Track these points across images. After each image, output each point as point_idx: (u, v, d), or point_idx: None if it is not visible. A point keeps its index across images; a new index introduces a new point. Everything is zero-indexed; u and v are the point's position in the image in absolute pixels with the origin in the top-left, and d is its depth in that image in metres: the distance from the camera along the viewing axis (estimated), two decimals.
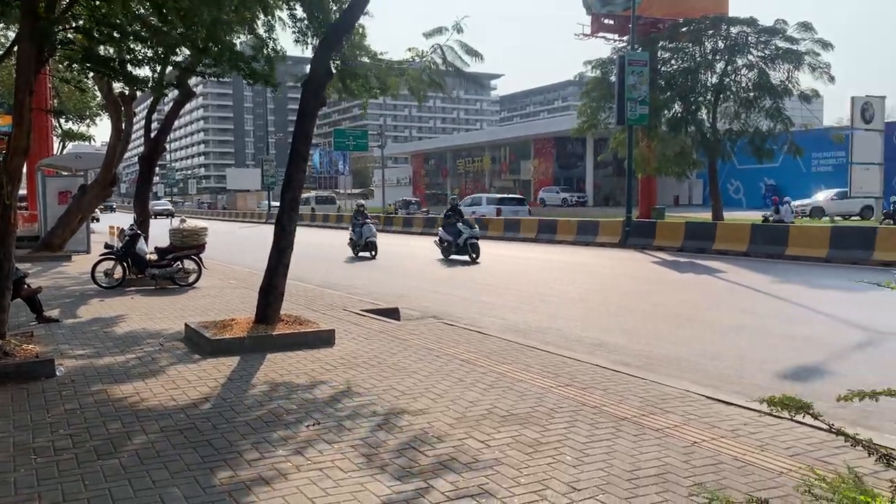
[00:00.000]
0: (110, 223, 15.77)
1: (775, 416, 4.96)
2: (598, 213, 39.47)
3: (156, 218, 56.41)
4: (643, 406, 5.49)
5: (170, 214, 61.71)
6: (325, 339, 7.94)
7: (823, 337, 8.79)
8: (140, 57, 8.45)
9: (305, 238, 29.00)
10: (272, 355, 7.37)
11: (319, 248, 25.96)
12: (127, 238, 13.19)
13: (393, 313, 10.38)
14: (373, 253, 21.19)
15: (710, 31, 29.51)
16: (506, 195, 44.62)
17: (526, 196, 61.38)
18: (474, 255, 19.24)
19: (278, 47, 8.59)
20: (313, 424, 5.11)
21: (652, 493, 3.86)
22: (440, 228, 21.04)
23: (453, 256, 19.99)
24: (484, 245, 26.25)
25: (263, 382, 6.32)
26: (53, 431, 5.01)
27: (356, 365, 6.94)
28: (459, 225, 19.86)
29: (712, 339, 8.80)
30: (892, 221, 27.85)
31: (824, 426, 2.88)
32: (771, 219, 27.89)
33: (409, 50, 8.74)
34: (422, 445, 4.64)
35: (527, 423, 5.07)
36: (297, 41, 8.33)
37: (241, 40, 9.19)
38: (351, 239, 21.97)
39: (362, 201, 24.69)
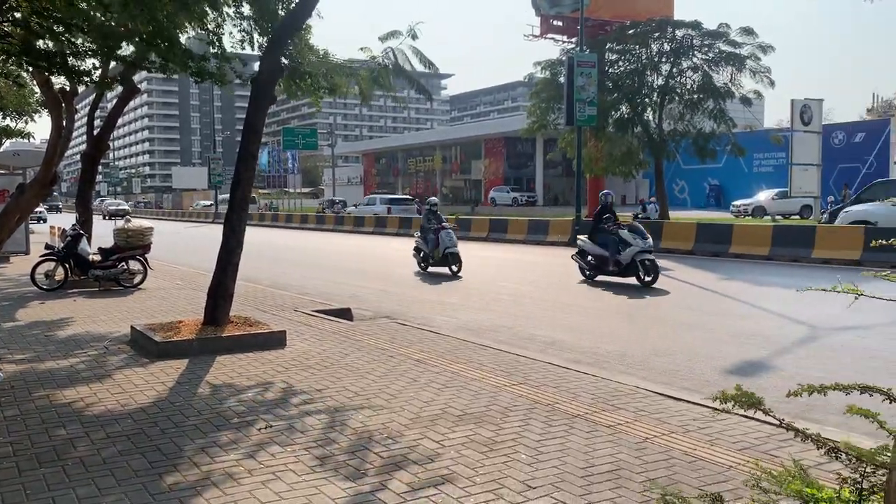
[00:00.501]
0: (57, 223, 14.99)
1: (724, 411, 5.07)
2: (547, 213, 39.91)
3: (110, 219, 54.16)
4: (595, 403, 5.55)
5: (125, 214, 59.53)
6: (276, 340, 7.83)
7: (768, 333, 9.03)
8: (82, 50, 8.19)
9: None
10: (222, 357, 7.24)
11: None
12: (69, 238, 12.81)
13: (345, 314, 10.30)
14: (455, 268, 15.76)
15: (656, 34, 30.05)
16: (396, 196, 50.88)
17: (477, 195, 61.73)
18: (649, 278, 13.28)
19: (229, 45, 8.45)
20: (265, 427, 5.03)
21: (605, 490, 3.91)
22: (582, 239, 14.98)
23: (603, 277, 14.28)
24: None
25: (213, 385, 6.20)
26: None
27: (308, 366, 6.86)
28: (624, 233, 13.64)
29: (661, 336, 8.95)
30: (829, 220, 28.78)
31: (773, 421, 2.95)
32: (640, 216, 29.72)
33: (362, 50, 8.69)
34: (376, 447, 4.61)
35: (481, 422, 5.08)
36: (243, 40, 8.19)
37: (187, 36, 8.99)
38: (418, 249, 16.70)
39: (435, 199, 18.35)
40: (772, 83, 28.34)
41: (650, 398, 5.70)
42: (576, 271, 15.11)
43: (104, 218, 54.63)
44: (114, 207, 63.79)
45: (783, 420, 2.71)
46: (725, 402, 2.63)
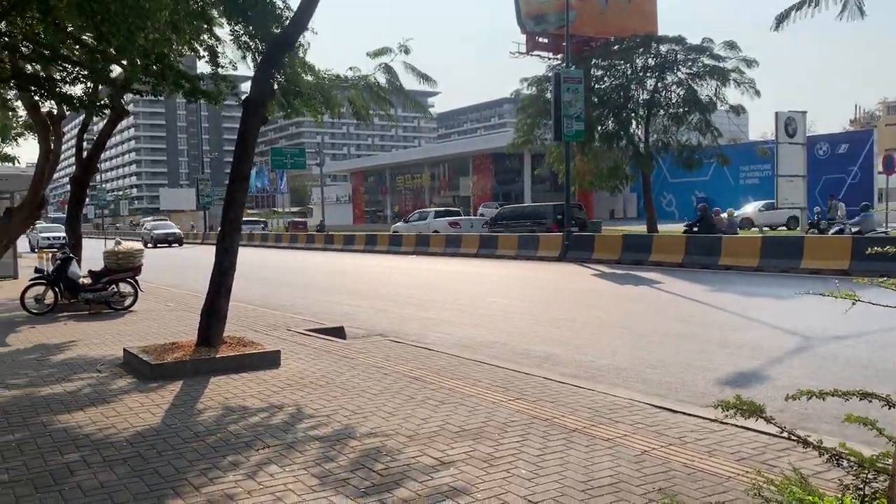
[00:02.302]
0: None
1: (721, 422, 5.10)
2: (536, 228, 39.99)
3: (157, 247, 44.32)
4: (593, 417, 5.57)
5: (177, 241, 46.96)
6: (270, 360, 7.81)
7: (759, 343, 9.09)
8: (73, 76, 8.20)
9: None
10: (216, 378, 7.21)
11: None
12: (59, 262, 12.74)
13: (338, 332, 10.28)
14: None
15: (641, 49, 30.39)
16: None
17: (466, 211, 61.85)
18: None
19: (225, 64, 8.48)
20: (263, 448, 5.01)
21: (606, 503, 3.91)
22: None
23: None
24: (425, 261, 26.34)
25: (209, 406, 6.17)
26: None
27: (304, 386, 6.84)
28: None
29: (654, 348, 8.99)
30: (816, 231, 29.02)
31: (772, 430, 2.98)
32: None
33: (351, 69, 8.74)
34: (375, 464, 4.60)
35: (480, 438, 5.08)
36: (237, 59, 8.23)
37: (179, 58, 9.01)
38: None
39: None
40: (757, 93, 28.69)
41: (647, 411, 5.72)
42: (570, 284, 15.08)
43: (147, 245, 41.69)
44: (163, 231, 48.35)
45: (784, 427, 2.73)
46: (727, 411, 2.65)
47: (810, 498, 2.74)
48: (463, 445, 4.94)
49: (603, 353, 8.73)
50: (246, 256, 24.19)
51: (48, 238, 40.69)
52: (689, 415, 5.56)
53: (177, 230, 50.22)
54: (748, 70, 28.58)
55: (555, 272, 20.50)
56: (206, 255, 9.35)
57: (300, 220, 59.09)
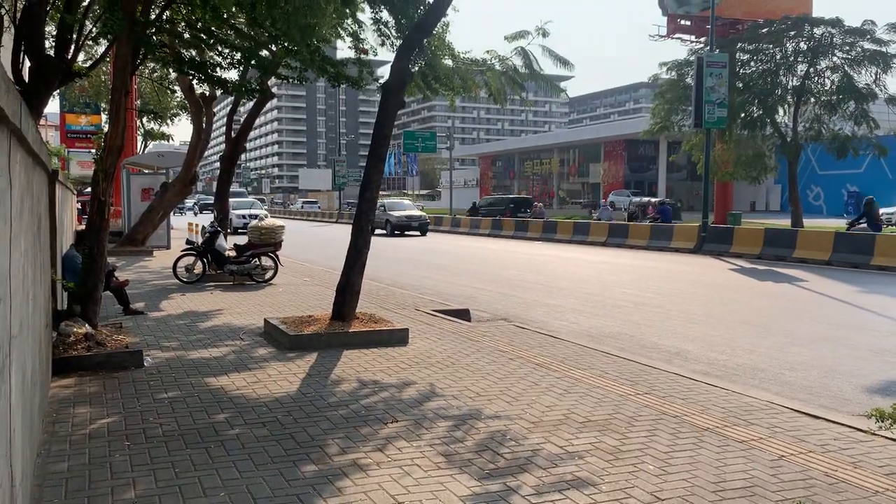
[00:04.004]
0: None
1: (871, 432, 4.77)
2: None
3: (393, 234, 30.53)
4: (726, 417, 5.35)
5: (421, 229, 32.24)
6: (399, 337, 8.03)
7: None
8: (228, 59, 8.72)
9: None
10: (349, 352, 7.50)
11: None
12: (208, 234, 13.62)
13: (463, 314, 10.41)
14: None
15: (792, 32, 28.62)
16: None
17: (595, 199, 60.74)
18: None
19: (368, 48, 8.74)
20: (391, 422, 5.17)
21: None
22: None
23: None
24: (548, 247, 26.12)
25: (342, 378, 6.43)
26: (144, 420, 5.21)
27: (430, 364, 6.99)
28: None
29: (795, 349, 8.51)
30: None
31: None
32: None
33: (488, 52, 8.77)
34: (499, 447, 4.64)
35: (606, 430, 5.01)
36: (381, 44, 8.44)
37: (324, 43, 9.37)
38: None
39: None
40: None
41: (785, 414, 5.44)
42: (704, 278, 14.52)
43: (376, 232, 29.63)
44: (404, 213, 33.05)
45: None
46: (881, 421, 2.47)
47: None
48: (588, 436, 4.89)
49: (738, 352, 8.35)
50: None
51: (243, 216, 33.30)
52: (833, 422, 5.23)
53: (422, 213, 34.50)
54: None
55: (689, 265, 19.77)
56: (339, 234, 9.72)
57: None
